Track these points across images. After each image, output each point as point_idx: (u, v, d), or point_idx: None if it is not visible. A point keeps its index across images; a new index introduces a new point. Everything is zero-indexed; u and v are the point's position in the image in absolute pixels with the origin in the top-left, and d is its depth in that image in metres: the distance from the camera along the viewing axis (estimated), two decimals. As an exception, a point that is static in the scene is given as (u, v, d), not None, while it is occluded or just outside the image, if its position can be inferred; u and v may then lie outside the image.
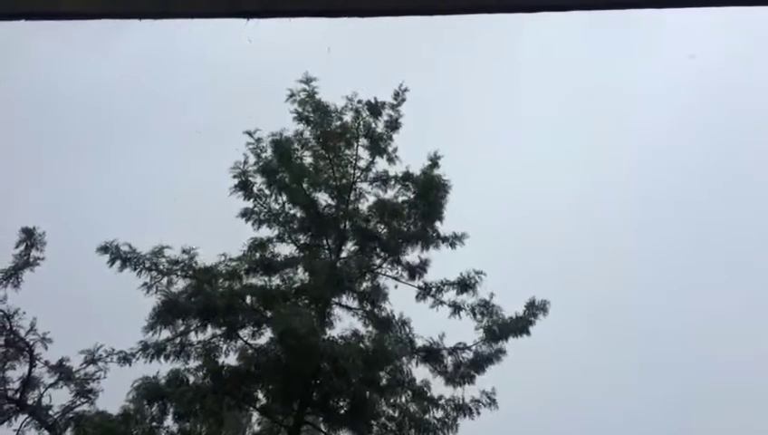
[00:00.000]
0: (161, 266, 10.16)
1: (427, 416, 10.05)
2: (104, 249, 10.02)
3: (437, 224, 11.11)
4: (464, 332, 10.60)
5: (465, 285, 10.68)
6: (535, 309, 10.47)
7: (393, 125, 11.28)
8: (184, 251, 10.29)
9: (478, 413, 10.16)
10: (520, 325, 10.34)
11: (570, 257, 21.47)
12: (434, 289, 10.88)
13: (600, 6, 1.65)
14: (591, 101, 25.09)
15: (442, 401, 10.21)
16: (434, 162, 11.22)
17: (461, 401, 10.18)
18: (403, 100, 11.32)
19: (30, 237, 12.08)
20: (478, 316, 10.55)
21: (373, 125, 11.22)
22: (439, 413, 10.12)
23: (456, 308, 10.66)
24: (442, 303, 10.79)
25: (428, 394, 10.26)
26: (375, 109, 11.13)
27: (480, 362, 10.37)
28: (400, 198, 11.26)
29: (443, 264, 11.18)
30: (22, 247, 12.04)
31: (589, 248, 22.08)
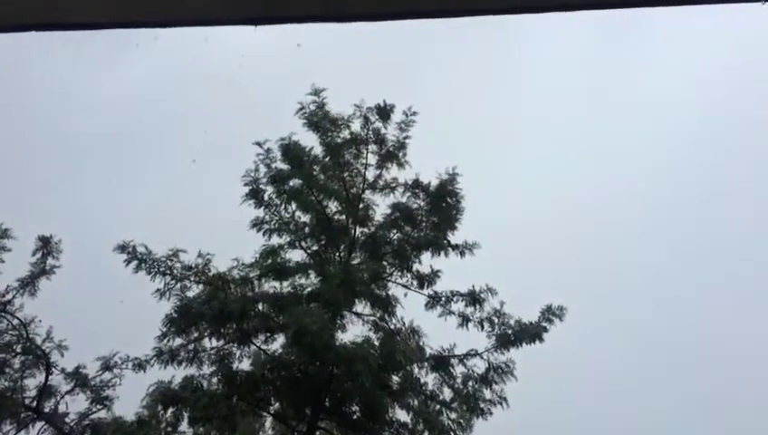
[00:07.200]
0: (175, 271, 10.23)
1: (441, 417, 9.96)
2: (122, 248, 10.13)
3: (449, 233, 11.06)
4: (473, 344, 10.56)
5: (474, 298, 10.61)
6: (551, 314, 10.33)
7: (399, 145, 11.21)
8: (200, 256, 10.35)
9: (491, 413, 10.06)
10: (534, 331, 10.21)
11: (580, 261, 21.23)
12: (443, 299, 10.82)
13: (610, 5, 1.62)
14: (602, 107, 24.80)
15: (455, 404, 10.13)
16: (452, 177, 11.10)
17: (473, 403, 10.09)
18: (412, 121, 11.22)
19: (46, 245, 12.21)
20: (487, 327, 10.48)
21: (383, 130, 11.21)
22: (453, 415, 10.04)
23: (465, 319, 10.60)
24: (451, 313, 10.73)
25: (441, 397, 10.19)
26: (384, 112, 11.10)
27: (489, 380, 10.26)
28: (413, 205, 11.23)
29: (451, 270, 11.13)
30: (38, 255, 12.18)
31: (600, 252, 21.83)
